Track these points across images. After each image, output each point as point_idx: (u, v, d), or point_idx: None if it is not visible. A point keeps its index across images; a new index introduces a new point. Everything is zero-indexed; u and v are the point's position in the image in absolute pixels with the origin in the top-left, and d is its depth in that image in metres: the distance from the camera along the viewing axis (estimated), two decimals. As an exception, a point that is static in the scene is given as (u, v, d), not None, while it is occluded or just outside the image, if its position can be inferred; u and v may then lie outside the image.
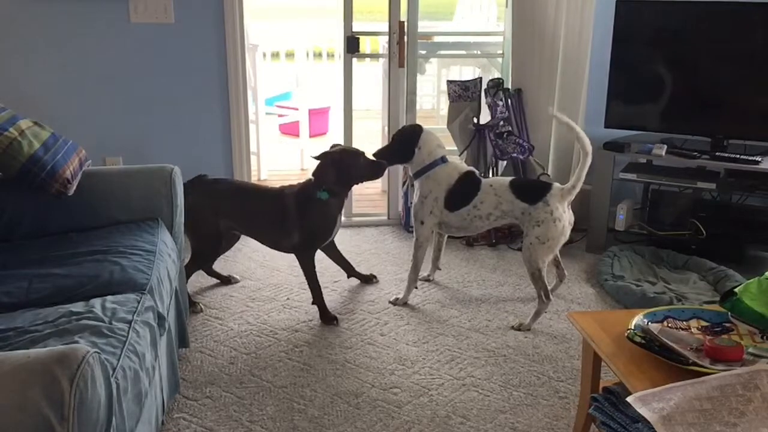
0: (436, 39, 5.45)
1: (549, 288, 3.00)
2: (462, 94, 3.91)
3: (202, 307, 3.12)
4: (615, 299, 3.22)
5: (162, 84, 3.88)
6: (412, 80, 4.14)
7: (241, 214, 3.11)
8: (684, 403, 1.45)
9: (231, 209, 3.09)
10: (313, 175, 3.02)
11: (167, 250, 2.47)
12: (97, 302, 1.96)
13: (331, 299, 3.21)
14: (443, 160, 3.08)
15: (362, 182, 3.10)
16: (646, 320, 1.79)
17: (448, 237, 4.06)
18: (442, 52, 5.62)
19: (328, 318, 3.03)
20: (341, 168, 2.96)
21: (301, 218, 3.00)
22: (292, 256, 3.50)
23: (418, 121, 4.41)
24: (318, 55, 7.02)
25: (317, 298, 3.06)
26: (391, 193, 4.33)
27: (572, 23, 3.92)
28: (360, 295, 3.24)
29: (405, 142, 3.11)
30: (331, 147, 3.09)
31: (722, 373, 1.52)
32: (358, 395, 2.46)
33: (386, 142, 3.66)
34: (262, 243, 3.19)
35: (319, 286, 3.06)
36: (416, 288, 3.23)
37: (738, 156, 3.50)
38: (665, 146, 3.63)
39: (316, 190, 2.97)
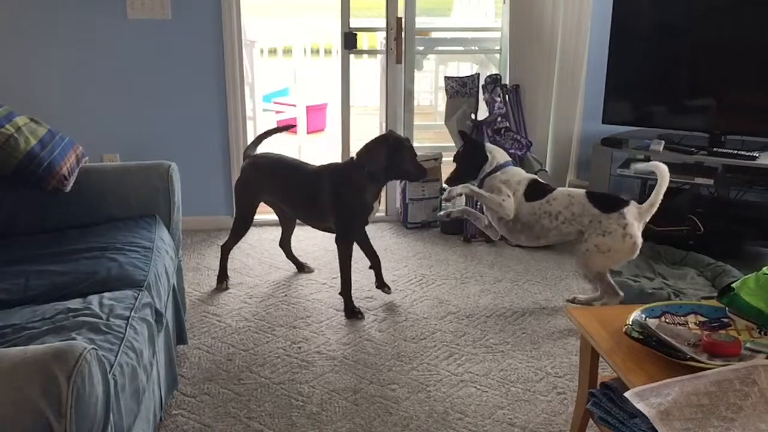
0: (434, 35, 5.46)
1: (591, 297, 3.13)
2: (460, 90, 3.91)
3: (228, 285, 3.30)
4: (613, 295, 3.22)
5: (159, 80, 3.87)
6: (409, 76, 4.14)
7: (281, 189, 3.11)
8: (681, 398, 1.45)
9: (270, 183, 3.11)
10: (358, 154, 2.93)
11: (165, 246, 2.47)
12: (94, 299, 1.96)
13: (329, 295, 3.21)
14: (514, 164, 3.15)
15: (402, 179, 3.05)
16: (643, 316, 1.79)
17: (445, 232, 4.08)
18: (440, 48, 5.62)
19: (352, 312, 3.01)
20: (394, 155, 2.86)
21: (334, 200, 2.93)
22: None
23: (416, 117, 4.42)
24: (315, 51, 7.02)
25: (345, 290, 3.04)
26: (389, 189, 4.32)
27: (570, 19, 3.92)
28: (358, 291, 3.23)
29: (474, 154, 3.13)
30: (387, 132, 3.06)
31: (720, 368, 1.52)
32: (356, 391, 2.46)
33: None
34: (304, 222, 3.18)
35: (350, 278, 3.04)
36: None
37: (736, 151, 3.50)
38: (663, 142, 3.63)
39: (354, 172, 2.89)
